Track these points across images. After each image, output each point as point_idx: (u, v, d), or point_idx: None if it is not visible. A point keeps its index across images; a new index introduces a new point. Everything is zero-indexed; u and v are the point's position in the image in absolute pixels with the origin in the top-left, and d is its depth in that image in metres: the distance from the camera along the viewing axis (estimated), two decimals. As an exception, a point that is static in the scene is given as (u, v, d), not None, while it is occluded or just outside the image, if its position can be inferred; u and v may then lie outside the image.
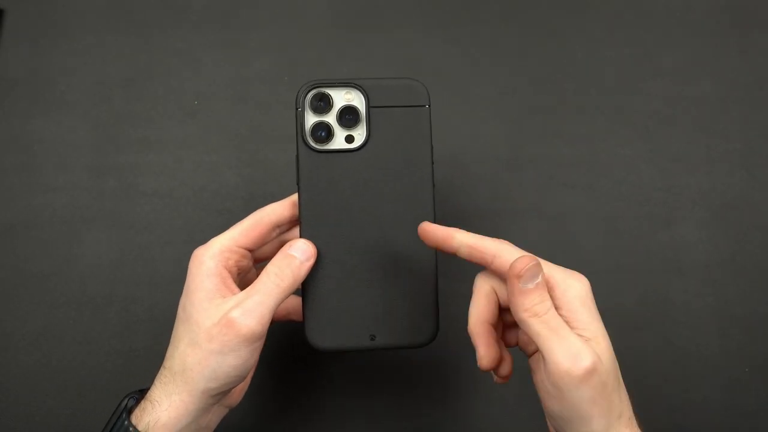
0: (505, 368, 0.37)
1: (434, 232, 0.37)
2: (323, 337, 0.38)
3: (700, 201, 0.51)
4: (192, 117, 0.52)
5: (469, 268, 0.50)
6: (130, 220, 0.50)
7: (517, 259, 0.33)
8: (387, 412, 0.47)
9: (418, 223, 0.37)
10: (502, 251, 0.35)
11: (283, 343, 0.47)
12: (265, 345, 0.37)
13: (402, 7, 0.55)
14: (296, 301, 0.41)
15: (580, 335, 0.33)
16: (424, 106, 0.39)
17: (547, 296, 0.33)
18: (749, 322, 0.49)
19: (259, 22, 0.55)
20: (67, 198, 0.50)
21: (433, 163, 0.39)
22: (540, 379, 0.35)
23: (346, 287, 0.38)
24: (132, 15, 0.54)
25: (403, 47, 0.54)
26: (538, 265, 0.33)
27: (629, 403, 0.34)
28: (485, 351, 0.36)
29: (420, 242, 0.37)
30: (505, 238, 0.49)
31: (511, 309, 0.34)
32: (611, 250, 0.50)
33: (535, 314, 0.33)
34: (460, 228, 0.37)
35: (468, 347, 0.48)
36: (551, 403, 0.33)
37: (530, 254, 0.34)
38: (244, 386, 0.41)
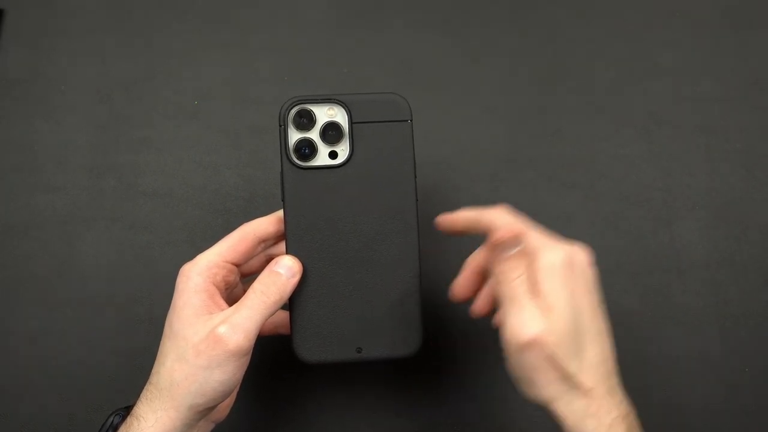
0: (480, 305, 0.40)
1: (449, 222, 0.40)
2: (310, 350, 0.38)
3: (700, 201, 0.51)
4: (192, 117, 0.52)
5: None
6: (130, 220, 0.50)
7: (499, 228, 0.36)
8: (381, 421, 0.47)
9: (402, 237, 0.39)
10: (498, 219, 0.37)
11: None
12: (252, 359, 0.37)
13: (402, 7, 0.55)
14: (284, 315, 0.41)
15: (538, 305, 0.34)
16: (407, 120, 0.39)
17: (522, 265, 0.35)
18: (749, 322, 0.49)
19: (259, 22, 0.55)
20: (67, 198, 0.50)
21: (416, 177, 0.39)
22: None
23: (332, 301, 0.38)
24: (132, 15, 0.54)
25: (403, 47, 0.54)
26: (518, 237, 0.36)
27: (600, 379, 0.34)
28: (461, 281, 0.40)
29: (404, 255, 0.39)
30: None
31: (490, 269, 0.37)
32: (611, 250, 0.50)
33: (504, 281, 0.35)
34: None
35: (463, 350, 0.48)
36: (509, 361, 0.35)
37: (515, 225, 0.37)
38: (230, 401, 0.41)
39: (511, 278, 0.35)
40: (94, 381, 0.47)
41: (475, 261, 0.40)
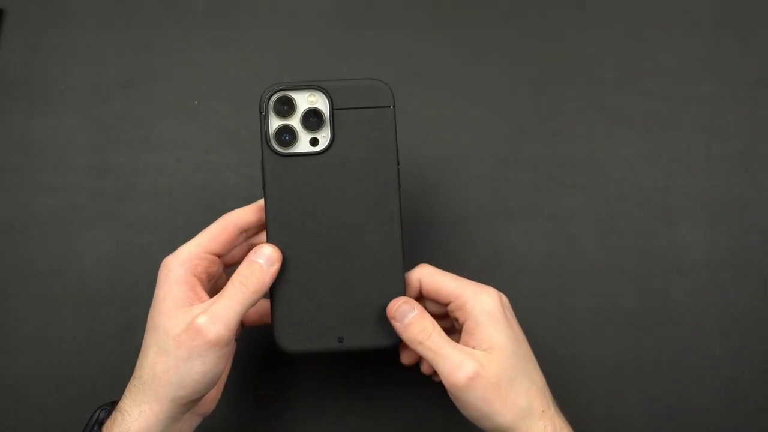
0: (425, 366, 0.42)
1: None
2: (291, 340, 0.38)
3: (700, 201, 0.51)
4: (192, 117, 0.52)
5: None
6: (130, 220, 0.50)
7: (390, 302, 0.38)
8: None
9: (384, 225, 0.39)
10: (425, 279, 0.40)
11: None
12: (238, 351, 0.37)
13: (401, 6, 0.55)
14: (268, 304, 0.41)
15: (475, 346, 0.37)
16: (389, 106, 0.38)
17: (426, 323, 0.37)
18: (749, 322, 0.49)
19: (259, 22, 0.55)
20: (67, 198, 0.50)
21: (398, 163, 0.39)
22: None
23: (313, 290, 0.38)
24: (132, 15, 0.54)
25: (402, 47, 0.54)
26: (407, 302, 0.38)
27: (543, 398, 0.37)
28: (402, 350, 0.42)
29: (386, 243, 0.39)
30: (504, 239, 0.50)
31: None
32: (611, 250, 0.50)
33: (420, 342, 0.37)
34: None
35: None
36: (460, 408, 0.37)
37: (404, 297, 0.39)
38: (216, 394, 0.40)
39: (423, 339, 0.37)
40: (94, 381, 0.47)
41: None
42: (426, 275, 0.40)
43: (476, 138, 0.52)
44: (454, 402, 0.37)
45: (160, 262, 0.49)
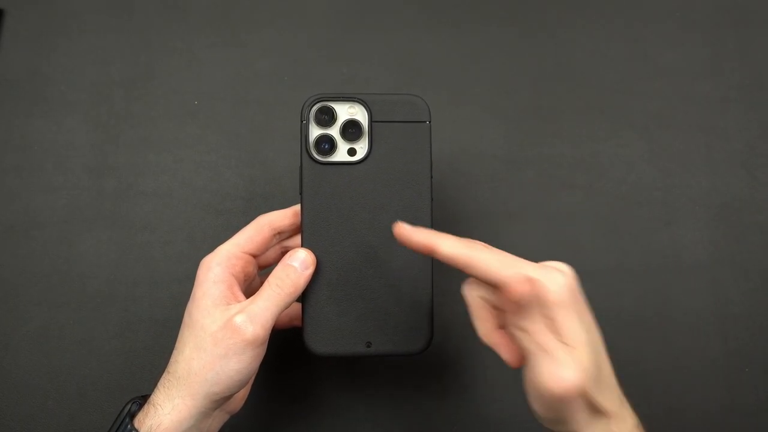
0: (513, 359, 0.37)
1: (411, 236, 0.36)
2: (321, 342, 0.39)
3: (700, 201, 0.51)
4: (192, 117, 0.52)
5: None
6: (130, 220, 0.50)
7: (514, 283, 0.34)
8: (387, 414, 0.47)
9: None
10: (477, 260, 0.35)
11: (282, 349, 0.47)
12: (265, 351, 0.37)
13: (402, 6, 0.55)
14: (299, 307, 0.42)
15: (564, 344, 0.33)
16: (425, 121, 0.40)
17: (537, 313, 0.34)
18: (749, 322, 0.49)
19: (259, 22, 0.55)
20: (67, 198, 0.50)
21: (431, 177, 0.40)
22: (527, 380, 0.35)
23: (344, 295, 0.39)
24: (132, 15, 0.54)
25: (402, 47, 0.54)
26: (533, 290, 0.34)
27: (616, 396, 0.34)
28: (509, 354, 0.37)
29: (417, 253, 0.37)
30: (505, 239, 0.50)
31: (506, 321, 0.36)
32: (611, 250, 0.50)
33: (526, 331, 0.34)
34: (452, 232, 0.36)
35: (466, 349, 0.48)
36: (536, 405, 0.34)
37: (521, 274, 0.34)
38: (245, 393, 0.41)
39: (536, 330, 0.34)
40: (94, 381, 0.47)
41: (485, 325, 0.37)
42: (474, 259, 0.35)
43: (476, 138, 0.52)
44: (537, 401, 0.34)
45: (160, 262, 0.49)
